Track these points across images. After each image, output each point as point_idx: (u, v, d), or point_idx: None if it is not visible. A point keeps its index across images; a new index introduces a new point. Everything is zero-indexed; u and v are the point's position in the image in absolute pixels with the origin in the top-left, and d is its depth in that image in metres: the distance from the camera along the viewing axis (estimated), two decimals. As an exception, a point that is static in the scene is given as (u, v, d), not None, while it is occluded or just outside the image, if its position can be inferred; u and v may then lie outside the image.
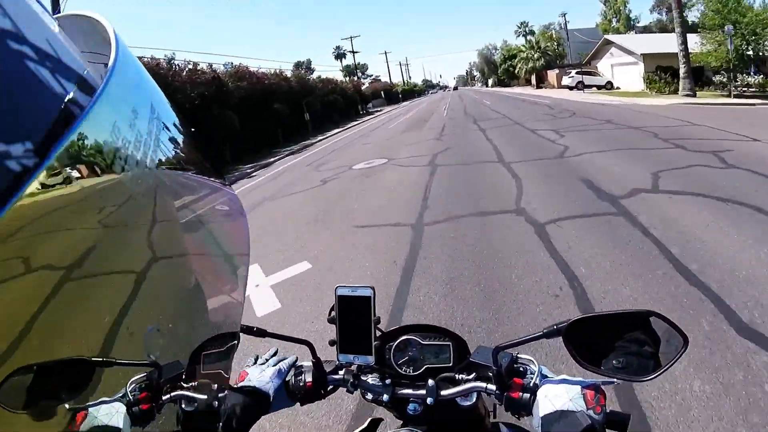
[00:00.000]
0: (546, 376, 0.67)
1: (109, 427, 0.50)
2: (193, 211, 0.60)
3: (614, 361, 0.60)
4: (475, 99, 34.45)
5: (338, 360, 0.74)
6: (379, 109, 47.55)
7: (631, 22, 48.43)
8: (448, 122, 16.28)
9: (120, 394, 0.55)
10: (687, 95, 16.67)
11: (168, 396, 0.63)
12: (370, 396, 0.74)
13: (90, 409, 0.48)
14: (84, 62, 0.43)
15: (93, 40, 0.50)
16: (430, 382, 0.71)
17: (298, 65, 60.08)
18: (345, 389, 0.75)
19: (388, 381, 0.74)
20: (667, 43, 22.97)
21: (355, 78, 70.55)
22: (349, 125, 26.22)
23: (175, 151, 0.55)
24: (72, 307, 0.38)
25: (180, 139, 0.56)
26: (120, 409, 0.53)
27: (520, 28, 59.63)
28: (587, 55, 34.75)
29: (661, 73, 22.02)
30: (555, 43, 43.49)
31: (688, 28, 19.50)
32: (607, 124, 10.15)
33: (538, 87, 41.37)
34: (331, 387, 0.78)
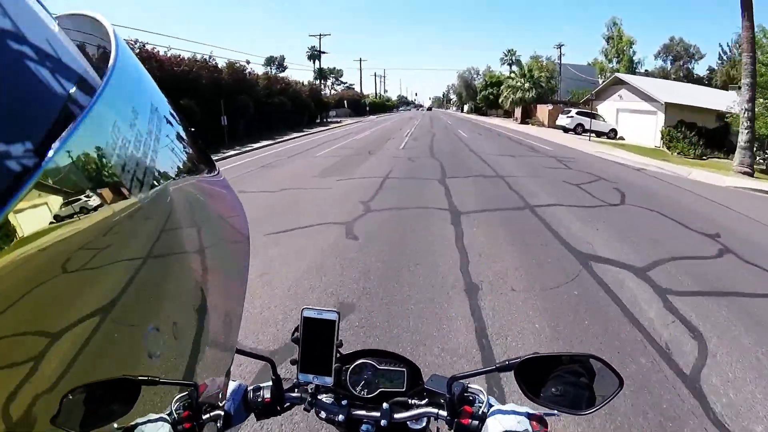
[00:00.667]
0: (492, 406, 0.73)
1: None
2: (198, 213, 0.60)
3: (553, 389, 0.68)
4: (448, 126, 29.27)
5: (298, 379, 0.77)
6: (338, 120, 41.05)
7: (634, 65, 42.45)
8: (401, 166, 10.37)
9: (166, 413, 0.57)
10: (744, 173, 11.68)
11: (208, 415, 0.67)
12: (324, 415, 0.78)
13: (139, 427, 0.50)
14: (84, 62, 0.43)
15: (93, 40, 0.50)
16: (385, 405, 0.76)
17: (269, 61, 53.88)
18: (302, 407, 0.78)
19: (344, 402, 0.77)
20: (692, 95, 20.58)
21: (327, 82, 64.90)
22: (285, 138, 20.02)
23: (176, 151, 0.55)
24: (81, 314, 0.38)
25: (180, 138, 0.56)
26: (164, 426, 0.55)
27: (506, 55, 55.51)
28: (582, 93, 31.63)
29: (686, 130, 17.91)
30: (548, 75, 38.46)
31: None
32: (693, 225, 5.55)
33: (523, 122, 35.88)
34: (288, 404, 0.80)
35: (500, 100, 40.73)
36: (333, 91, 64.07)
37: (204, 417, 0.65)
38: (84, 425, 0.41)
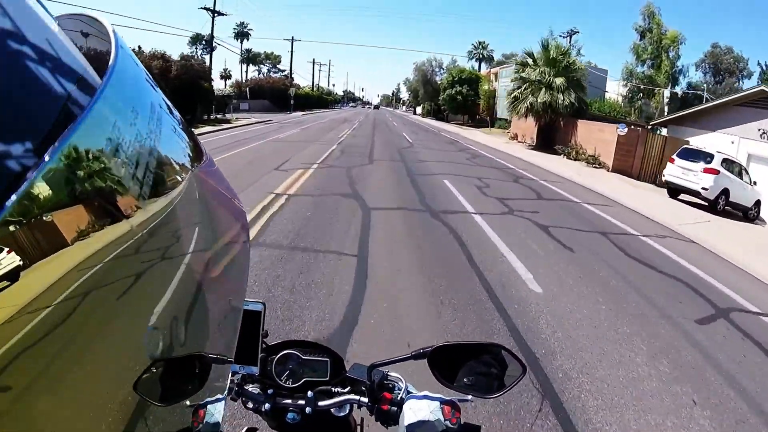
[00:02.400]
0: (410, 392, 0.77)
1: (218, 423, 0.54)
2: (198, 208, 0.61)
3: (465, 379, 0.73)
4: (402, 149, 15.82)
5: None
6: (247, 117, 29.20)
7: (676, 74, 28.40)
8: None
9: (225, 391, 0.60)
10: None
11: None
12: (251, 404, 0.81)
13: (208, 407, 0.52)
14: (84, 62, 0.43)
15: (93, 40, 0.50)
16: (309, 393, 0.78)
17: (195, 39, 42.55)
18: (229, 397, 0.79)
19: (269, 391, 0.80)
20: None
21: (259, 68, 53.63)
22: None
23: (176, 150, 0.55)
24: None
25: (180, 138, 0.56)
26: (222, 406, 0.58)
27: (476, 48, 45.57)
28: (603, 106, 21.26)
29: None
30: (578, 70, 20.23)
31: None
32: None
33: (544, 147, 19.47)
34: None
35: (508, 104, 21.48)
36: (254, 78, 49.43)
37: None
38: (163, 398, 0.44)
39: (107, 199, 0.40)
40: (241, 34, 54.89)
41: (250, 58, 57.23)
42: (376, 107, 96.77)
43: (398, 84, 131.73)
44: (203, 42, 43.43)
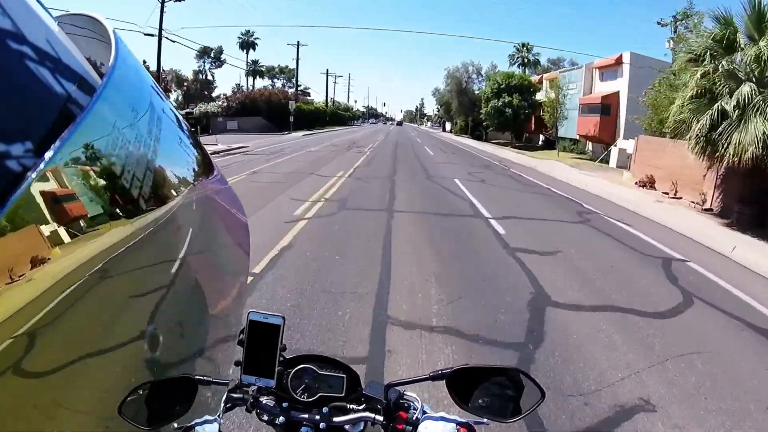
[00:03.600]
0: (426, 413, 0.78)
1: None
2: (200, 216, 0.61)
3: (480, 401, 0.73)
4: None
5: (240, 380, 0.80)
6: (226, 142, 16.58)
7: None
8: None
9: (219, 413, 0.59)
10: None
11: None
12: (266, 417, 0.82)
13: (197, 428, 0.52)
14: (84, 62, 0.43)
15: (93, 40, 0.50)
16: (324, 409, 0.79)
17: (203, 52, 41.40)
18: (244, 408, 0.80)
19: (284, 405, 0.80)
20: None
21: (271, 82, 47.35)
22: None
23: (176, 150, 0.55)
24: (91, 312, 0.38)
25: (180, 137, 0.56)
26: (215, 428, 0.57)
27: (519, 51, 36.63)
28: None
29: None
30: None
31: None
32: None
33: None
34: (230, 404, 0.83)
35: (676, 114, 7.30)
36: (247, 90, 41.85)
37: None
38: (149, 421, 0.44)
39: (107, 200, 0.39)
40: (247, 44, 48.21)
41: (256, 70, 50.99)
42: (399, 123, 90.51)
43: (421, 99, 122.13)
44: (211, 56, 42.40)
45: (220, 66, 40.65)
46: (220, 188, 0.70)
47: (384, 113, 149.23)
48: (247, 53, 49.24)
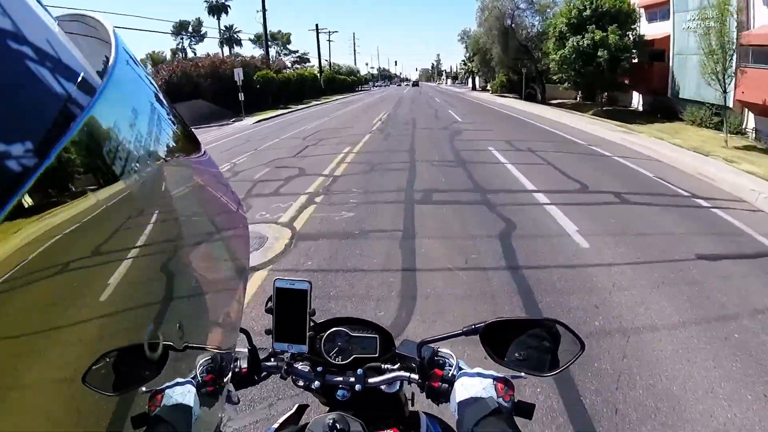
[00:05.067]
0: (462, 369, 0.75)
1: (182, 405, 0.54)
2: (196, 209, 0.61)
3: (516, 354, 0.70)
4: None
5: (273, 348, 0.78)
6: None
7: None
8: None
9: (191, 376, 0.59)
10: None
11: (227, 378, 0.69)
12: (301, 383, 0.81)
13: (166, 391, 0.52)
14: (84, 62, 0.43)
15: (93, 40, 0.50)
16: (359, 370, 0.78)
17: (181, 27, 35.23)
18: (278, 375, 0.79)
19: (319, 369, 0.79)
20: None
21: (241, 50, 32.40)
22: None
23: (176, 151, 0.55)
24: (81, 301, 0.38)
25: (180, 137, 0.57)
26: (191, 390, 0.57)
27: None
28: None
29: None
30: None
31: None
32: None
33: None
34: (264, 373, 0.82)
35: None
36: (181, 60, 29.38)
37: (224, 380, 0.67)
38: (116, 388, 0.44)
39: (107, 198, 0.40)
40: (216, 8, 36.80)
41: (232, 38, 40.93)
42: (415, 84, 77.06)
43: (437, 55, 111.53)
44: (188, 31, 33.85)
45: (201, 40, 35.16)
46: (220, 184, 0.71)
47: (398, 74, 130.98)
48: (218, 18, 38.49)
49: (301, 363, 0.82)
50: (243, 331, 0.81)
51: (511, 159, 7.97)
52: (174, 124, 0.56)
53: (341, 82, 45.46)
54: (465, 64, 46.42)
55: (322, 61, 44.46)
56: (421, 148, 9.64)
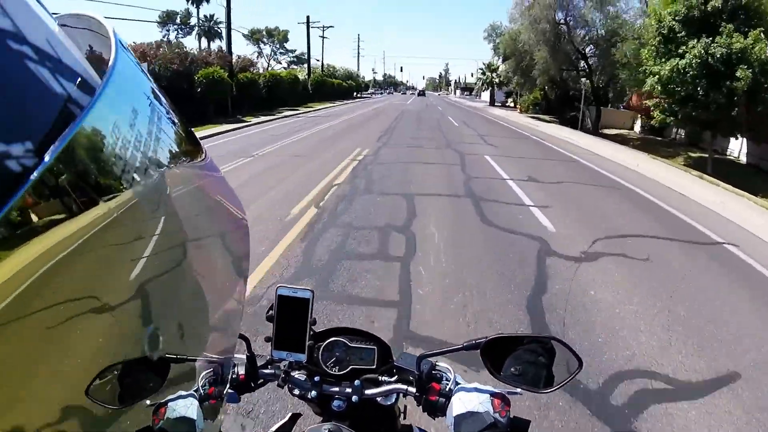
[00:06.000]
0: (459, 384, 0.75)
1: (186, 418, 0.54)
2: (200, 217, 0.61)
3: (512, 369, 0.71)
4: None
5: (271, 355, 0.78)
6: None
7: None
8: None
9: (194, 389, 0.59)
10: None
11: (226, 390, 0.69)
12: (297, 391, 0.81)
13: (170, 404, 0.52)
14: (84, 62, 0.43)
15: (93, 40, 0.50)
16: (357, 381, 0.78)
17: (168, 17, 30.84)
18: (276, 383, 0.79)
19: (316, 379, 0.79)
20: None
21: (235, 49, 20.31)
22: None
23: (176, 151, 0.55)
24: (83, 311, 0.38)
25: (180, 137, 0.57)
26: (194, 403, 0.57)
27: None
28: None
29: None
30: None
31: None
32: None
33: None
34: (262, 380, 0.82)
35: None
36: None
37: (224, 390, 0.67)
38: (119, 400, 0.44)
39: (107, 200, 0.40)
40: None
41: (212, 30, 33.94)
42: (421, 93, 72.16)
43: (446, 64, 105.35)
44: (175, 22, 29.11)
45: (190, 33, 30.82)
46: (222, 188, 0.71)
47: (404, 82, 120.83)
48: (198, 6, 32.87)
49: (298, 372, 0.82)
50: (242, 337, 0.81)
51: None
52: (174, 125, 0.56)
53: (334, 86, 37.18)
54: (484, 73, 36.98)
55: (315, 62, 39.44)
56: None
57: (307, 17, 32.82)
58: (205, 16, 34.09)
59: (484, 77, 37.18)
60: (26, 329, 0.32)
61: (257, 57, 36.84)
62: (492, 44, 26.03)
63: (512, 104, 30.26)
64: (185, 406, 0.55)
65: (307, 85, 28.31)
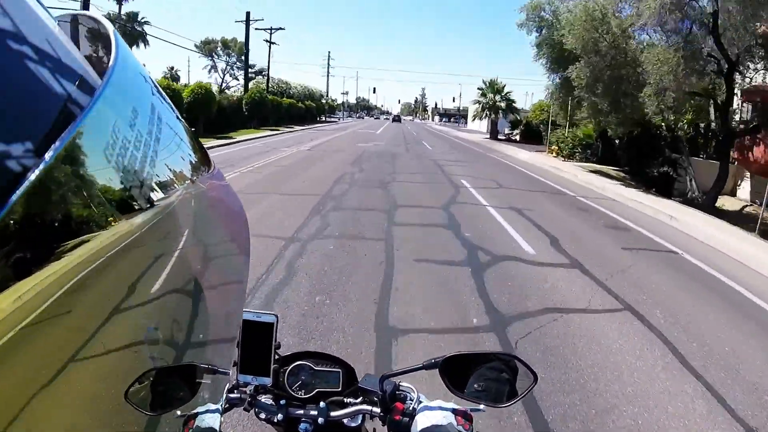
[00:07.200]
0: (422, 402, 0.78)
1: (212, 429, 0.56)
2: (200, 213, 0.61)
3: (475, 385, 0.74)
4: None
5: (237, 380, 0.80)
6: None
7: None
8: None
9: (221, 403, 0.61)
10: None
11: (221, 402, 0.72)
12: (263, 415, 0.82)
13: (199, 416, 0.54)
14: (84, 62, 0.43)
15: (93, 40, 0.50)
16: (322, 404, 0.80)
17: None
18: (242, 408, 0.80)
19: (282, 402, 0.81)
20: None
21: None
22: None
23: (176, 151, 0.55)
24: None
25: (180, 137, 0.57)
26: (217, 417, 0.59)
27: None
28: None
29: None
30: None
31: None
32: None
33: None
34: (227, 405, 0.83)
35: None
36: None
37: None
38: (153, 407, 0.45)
39: (107, 200, 0.40)
40: None
41: (136, 32, 28.39)
42: (396, 119, 65.20)
43: (422, 89, 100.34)
44: (118, 18, 23.81)
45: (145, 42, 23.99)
46: (222, 187, 0.71)
47: (380, 106, 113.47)
48: (120, 5, 27.19)
49: (264, 396, 0.83)
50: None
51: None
52: (175, 125, 0.55)
53: (281, 107, 27.35)
54: (484, 95, 26.88)
55: (256, 74, 32.03)
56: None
57: (247, 13, 24.61)
58: (126, 14, 29.17)
59: (485, 100, 26.67)
60: (65, 331, 0.33)
61: (210, 71, 31.48)
62: (536, 33, 14.14)
63: (517, 137, 22.99)
64: (211, 419, 0.57)
65: (241, 105, 21.59)
